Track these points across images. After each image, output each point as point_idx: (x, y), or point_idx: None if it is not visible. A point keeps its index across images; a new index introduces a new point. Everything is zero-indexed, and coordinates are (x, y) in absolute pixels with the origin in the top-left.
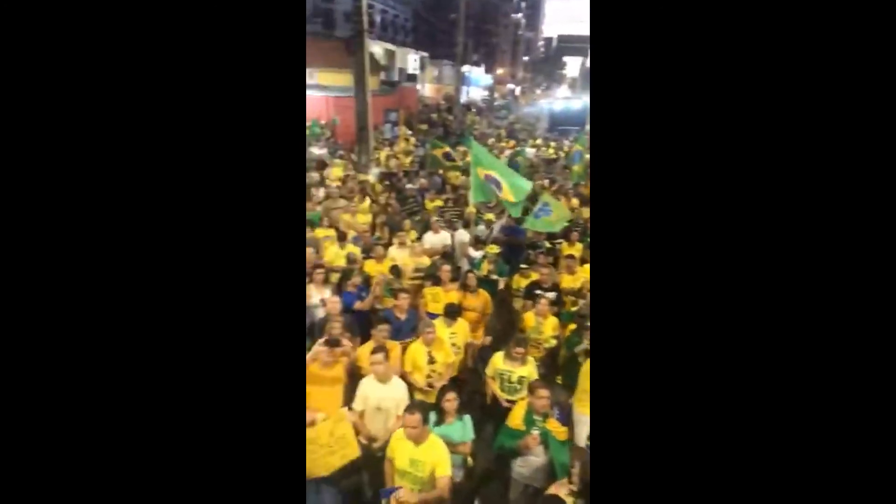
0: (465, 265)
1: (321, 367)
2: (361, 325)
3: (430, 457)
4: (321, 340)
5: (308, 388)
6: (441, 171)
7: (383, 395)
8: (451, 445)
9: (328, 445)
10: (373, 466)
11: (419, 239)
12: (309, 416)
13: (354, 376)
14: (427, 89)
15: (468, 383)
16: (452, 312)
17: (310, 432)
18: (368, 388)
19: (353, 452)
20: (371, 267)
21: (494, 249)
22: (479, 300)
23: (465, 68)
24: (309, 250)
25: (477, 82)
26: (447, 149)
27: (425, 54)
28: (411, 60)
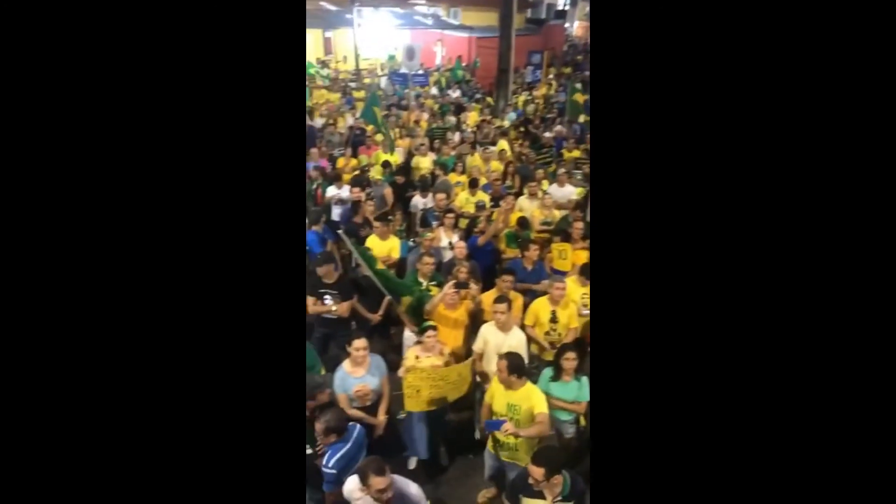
0: None
1: (446, 307)
2: (486, 272)
3: (526, 401)
4: (450, 283)
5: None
6: (582, 120)
7: (502, 343)
8: (565, 403)
9: (454, 383)
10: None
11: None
12: (442, 351)
13: (476, 319)
14: (576, 28)
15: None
16: (588, 272)
17: (443, 371)
18: (489, 333)
19: (467, 390)
20: (499, 217)
21: None
22: None
23: None
24: (441, 195)
25: None
26: (588, 96)
27: None
28: None
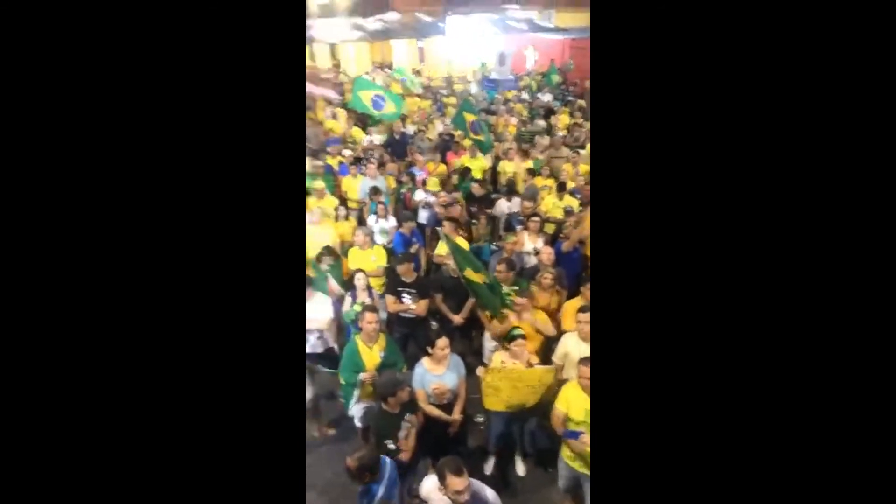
0: None
1: (516, 320)
2: (572, 280)
3: None
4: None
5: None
6: None
7: (585, 353)
8: None
9: (533, 386)
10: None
11: None
12: (529, 360)
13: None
14: None
15: None
16: None
17: (524, 372)
18: (571, 344)
19: (546, 396)
20: (588, 222)
21: None
22: None
23: None
24: (527, 203)
25: None
26: None
27: None
28: None
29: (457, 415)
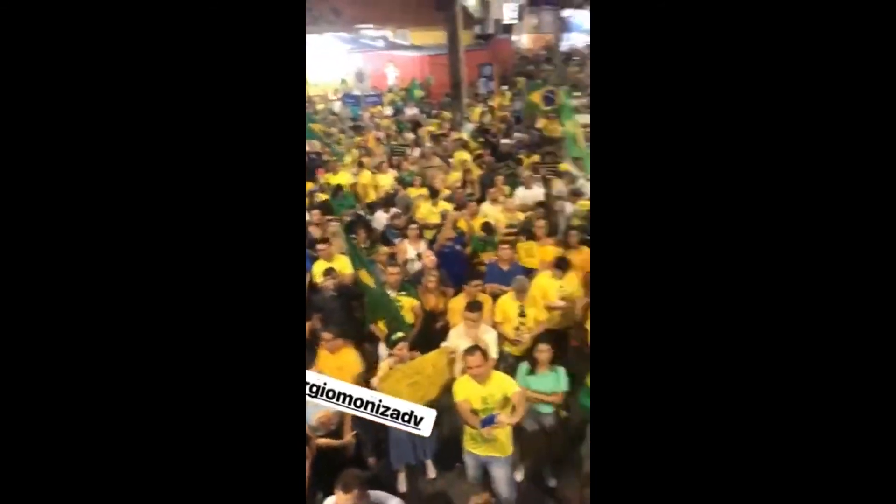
0: (561, 221)
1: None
2: (456, 279)
3: (498, 389)
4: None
5: None
6: (539, 126)
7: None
8: (544, 395)
9: (430, 375)
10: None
11: (512, 195)
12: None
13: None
14: (525, 40)
15: (573, 337)
16: (563, 265)
17: (416, 364)
18: (456, 338)
19: (445, 382)
20: (463, 223)
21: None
22: (582, 255)
23: (567, 13)
24: (396, 211)
25: (579, 27)
26: (546, 91)
27: (523, 1)
28: (508, 10)
29: (347, 436)
